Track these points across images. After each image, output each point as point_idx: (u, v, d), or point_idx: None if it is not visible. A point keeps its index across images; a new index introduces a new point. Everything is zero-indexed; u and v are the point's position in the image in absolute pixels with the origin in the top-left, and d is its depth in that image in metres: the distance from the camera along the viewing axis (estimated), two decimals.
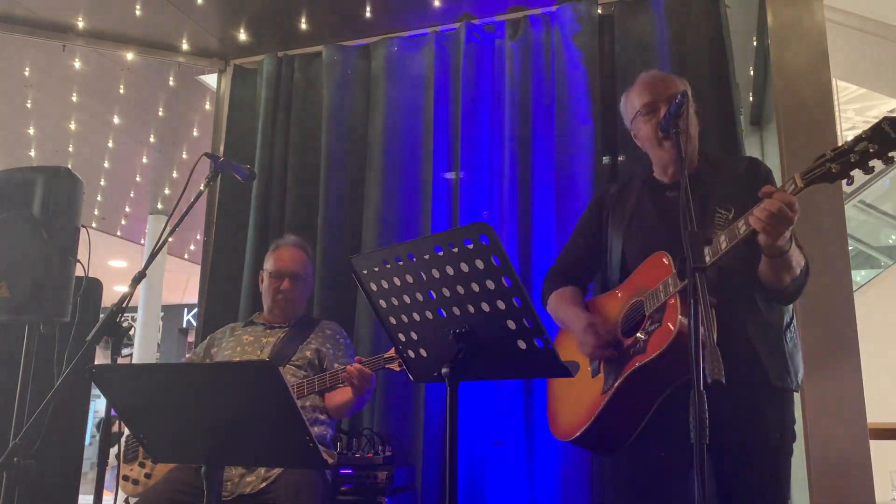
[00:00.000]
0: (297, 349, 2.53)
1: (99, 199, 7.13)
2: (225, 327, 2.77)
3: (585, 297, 2.25)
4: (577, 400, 2.04)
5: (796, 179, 1.61)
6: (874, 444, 2.40)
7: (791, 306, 1.98)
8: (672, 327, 1.75)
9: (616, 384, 1.88)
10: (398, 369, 2.32)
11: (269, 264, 2.70)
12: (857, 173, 1.53)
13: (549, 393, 2.21)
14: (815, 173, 1.57)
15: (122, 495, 2.43)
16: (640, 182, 2.15)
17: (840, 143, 1.57)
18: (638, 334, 1.89)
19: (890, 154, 1.47)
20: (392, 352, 2.32)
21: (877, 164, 1.50)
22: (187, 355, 2.72)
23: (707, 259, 1.67)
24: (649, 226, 2.04)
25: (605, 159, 3.05)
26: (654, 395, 1.84)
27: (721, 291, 1.70)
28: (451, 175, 3.25)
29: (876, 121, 1.50)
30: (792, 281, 1.79)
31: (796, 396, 1.95)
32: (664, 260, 1.88)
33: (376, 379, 2.37)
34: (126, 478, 2.41)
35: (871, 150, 1.48)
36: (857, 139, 1.51)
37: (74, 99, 4.92)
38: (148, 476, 2.41)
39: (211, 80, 4.36)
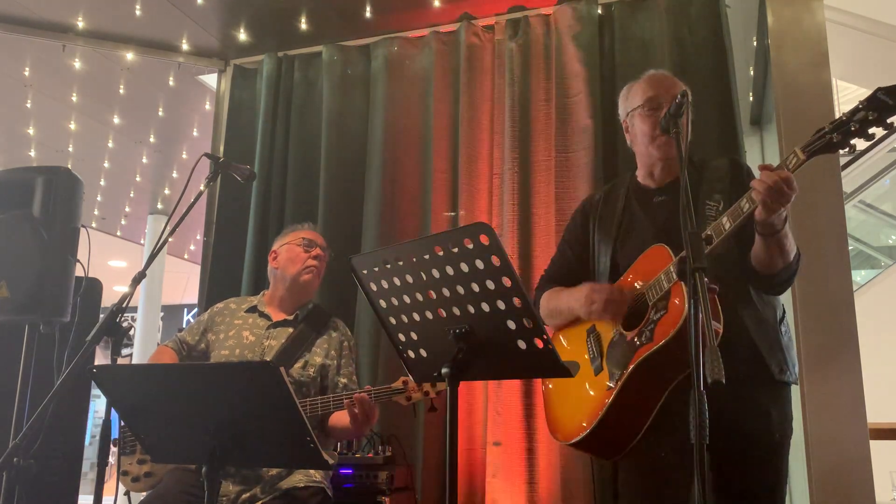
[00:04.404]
0: (300, 361, 2.40)
1: (99, 199, 7.12)
2: (225, 306, 2.60)
3: None
4: (579, 400, 1.99)
5: (798, 153, 1.62)
6: (874, 444, 2.40)
7: (781, 301, 1.98)
8: (680, 312, 1.72)
9: (625, 376, 1.83)
10: (406, 404, 2.27)
11: (296, 237, 2.58)
12: (853, 153, 1.57)
13: (547, 398, 2.14)
14: (816, 145, 1.59)
15: (122, 493, 2.42)
16: (624, 188, 2.13)
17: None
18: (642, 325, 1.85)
19: (889, 120, 1.50)
20: (399, 382, 2.27)
21: (877, 131, 1.53)
22: (179, 332, 2.59)
23: (712, 237, 1.71)
24: (643, 234, 2.02)
25: (605, 159, 3.04)
26: (662, 387, 1.81)
27: (718, 286, 1.71)
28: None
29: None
30: (785, 267, 1.80)
31: (796, 393, 1.95)
32: (663, 251, 1.86)
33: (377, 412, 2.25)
34: (126, 473, 2.39)
35: (870, 118, 1.51)
36: (855, 110, 1.54)
37: (74, 99, 4.92)
38: (149, 475, 2.39)
39: (211, 80, 4.36)
